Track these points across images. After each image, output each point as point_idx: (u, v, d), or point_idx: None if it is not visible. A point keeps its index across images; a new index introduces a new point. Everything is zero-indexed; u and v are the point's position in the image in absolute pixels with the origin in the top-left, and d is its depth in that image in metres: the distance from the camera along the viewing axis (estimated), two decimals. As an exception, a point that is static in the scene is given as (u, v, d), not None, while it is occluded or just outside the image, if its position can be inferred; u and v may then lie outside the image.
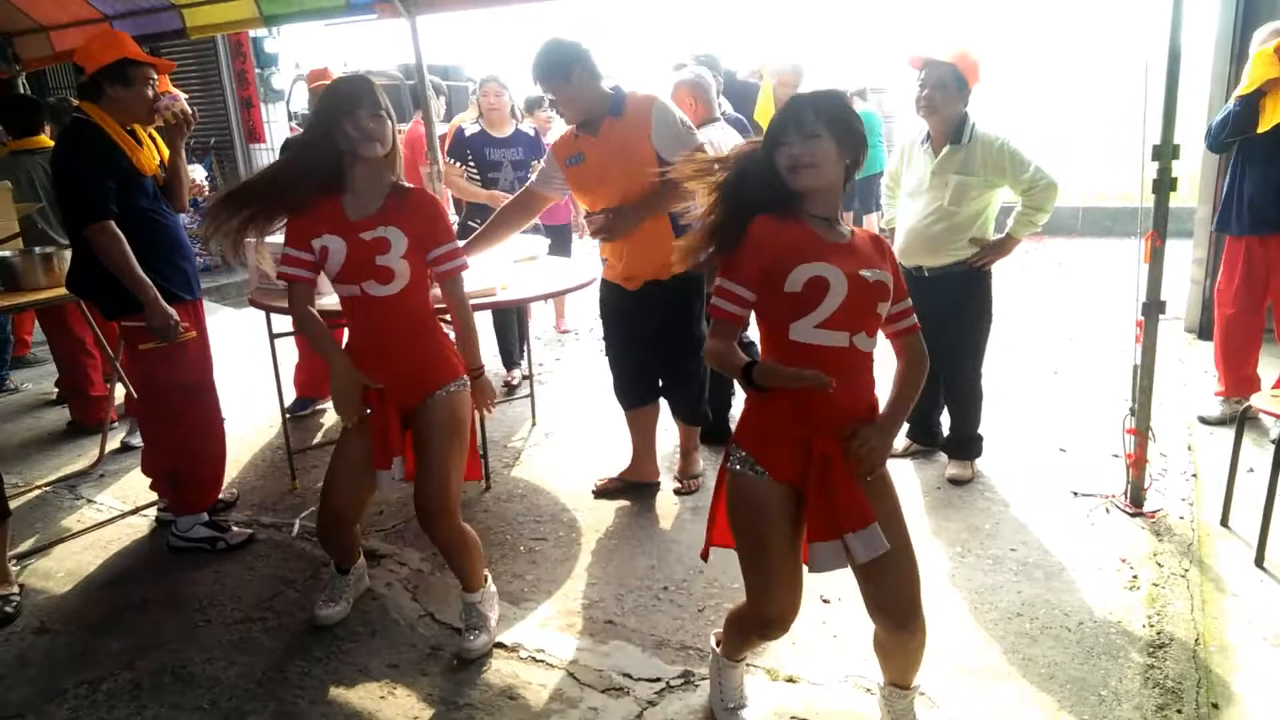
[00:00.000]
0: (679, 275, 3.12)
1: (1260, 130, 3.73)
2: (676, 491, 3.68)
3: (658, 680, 2.47)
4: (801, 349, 1.86)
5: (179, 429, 3.28)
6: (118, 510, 3.76)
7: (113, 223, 2.96)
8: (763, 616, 1.98)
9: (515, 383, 5.18)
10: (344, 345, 2.58)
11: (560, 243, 5.56)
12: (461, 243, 2.72)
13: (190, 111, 3.31)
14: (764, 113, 5.19)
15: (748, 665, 2.53)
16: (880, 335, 1.96)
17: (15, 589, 3.04)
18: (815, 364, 1.82)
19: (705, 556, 2.20)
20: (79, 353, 4.73)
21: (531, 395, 4.78)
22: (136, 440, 4.44)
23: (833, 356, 1.86)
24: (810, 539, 1.88)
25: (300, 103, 9.91)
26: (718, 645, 2.30)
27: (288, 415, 4.11)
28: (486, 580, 2.75)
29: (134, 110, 3.11)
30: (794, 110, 1.87)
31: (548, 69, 3.15)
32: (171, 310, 3.07)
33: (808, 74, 5.37)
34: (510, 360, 5.30)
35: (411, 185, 2.51)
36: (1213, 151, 4.04)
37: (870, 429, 1.87)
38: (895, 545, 1.88)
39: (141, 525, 3.62)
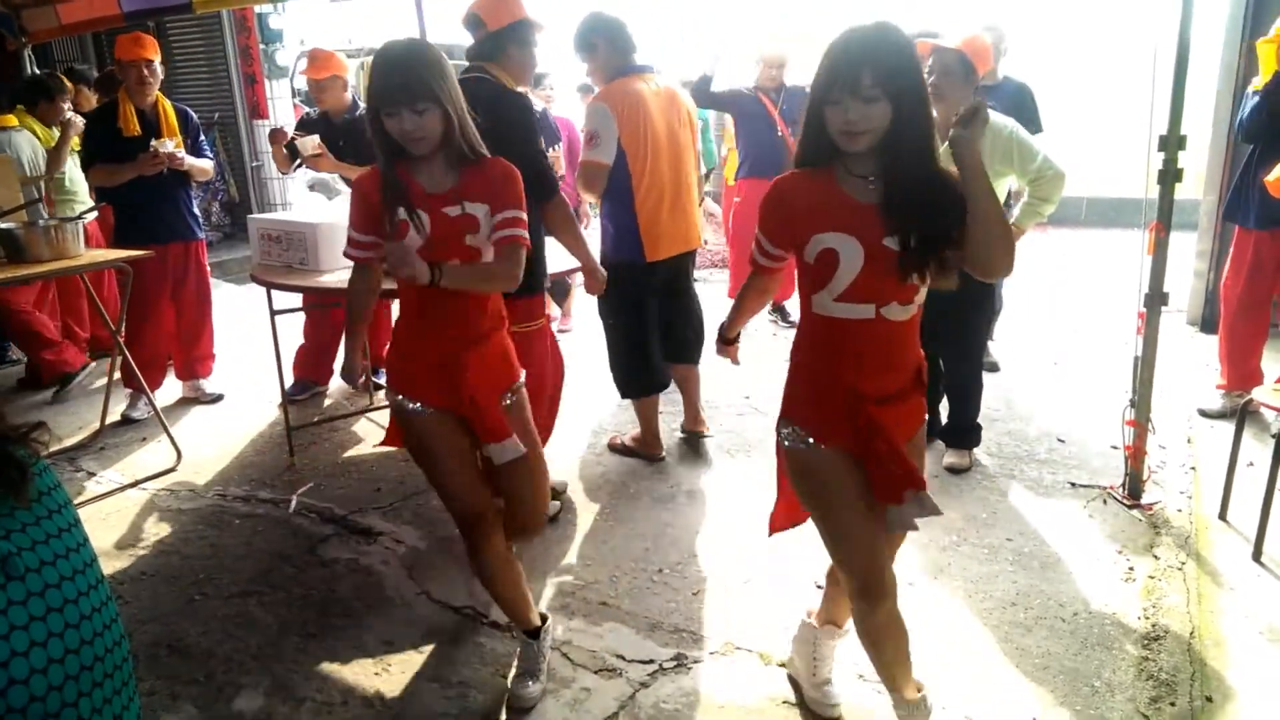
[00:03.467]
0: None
1: None
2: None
3: (651, 662, 2.48)
4: (824, 322, 1.82)
5: None
6: (117, 483, 3.77)
7: None
8: (854, 586, 1.92)
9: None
10: (397, 327, 2.26)
11: None
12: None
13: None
14: None
15: (735, 649, 2.54)
16: (919, 301, 1.81)
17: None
18: (840, 337, 1.81)
19: (771, 533, 2.16)
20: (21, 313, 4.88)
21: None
22: (137, 414, 4.46)
23: (858, 330, 1.79)
24: (883, 500, 1.85)
25: (303, 81, 9.87)
26: (811, 617, 2.29)
27: (286, 399, 4.11)
28: (546, 620, 2.46)
29: (526, 70, 3.04)
30: (848, 64, 1.64)
31: (575, 40, 3.43)
32: None
33: (794, 60, 5.34)
34: None
35: (486, 154, 2.13)
36: (1248, 141, 3.96)
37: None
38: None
39: (140, 499, 3.63)
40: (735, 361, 2.30)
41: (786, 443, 1.92)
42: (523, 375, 2.30)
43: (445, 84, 1.99)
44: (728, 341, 2.24)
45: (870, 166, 1.75)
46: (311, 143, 4.19)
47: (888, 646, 1.97)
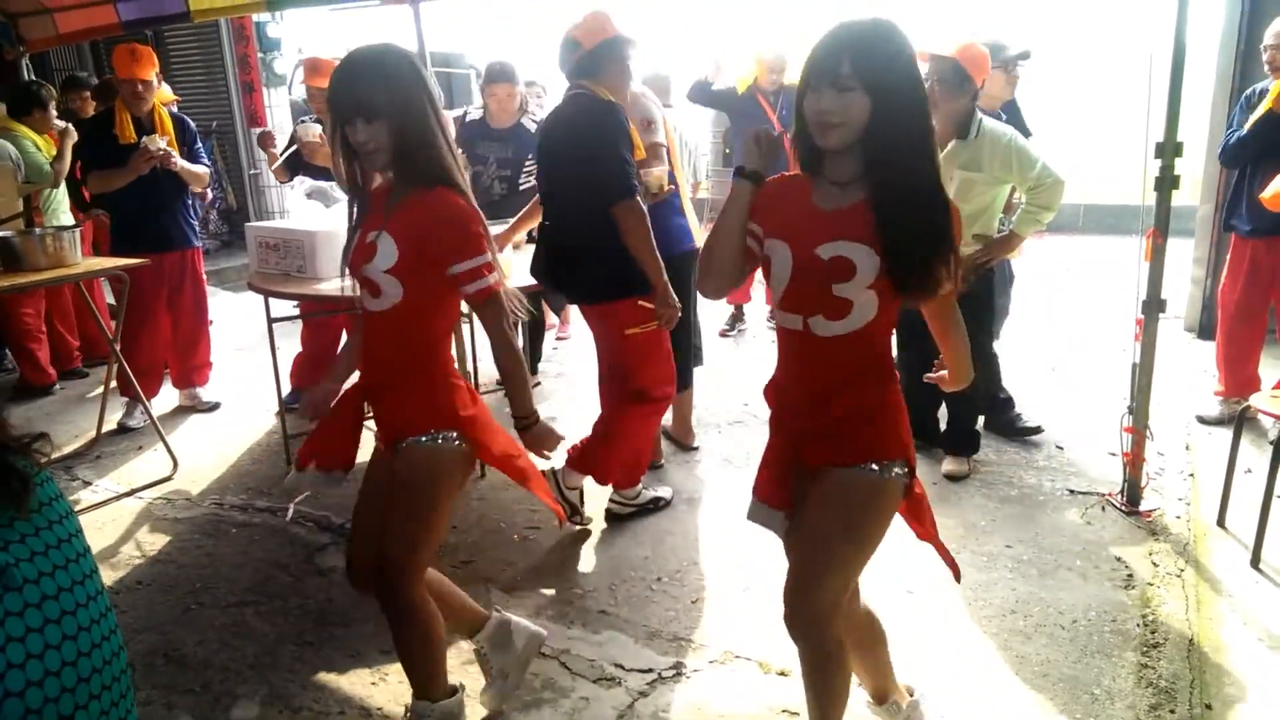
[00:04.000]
0: None
1: None
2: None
3: (650, 671, 2.47)
4: (778, 332, 1.85)
5: None
6: (113, 492, 3.76)
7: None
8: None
9: None
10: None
11: None
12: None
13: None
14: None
15: (734, 657, 2.53)
16: (862, 319, 1.69)
17: (8, 569, 3.03)
18: (782, 347, 1.83)
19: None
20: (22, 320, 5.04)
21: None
22: (133, 422, 4.45)
23: (790, 341, 1.78)
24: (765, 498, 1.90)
25: (301, 90, 9.88)
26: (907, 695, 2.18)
27: (284, 407, 4.10)
28: (455, 693, 2.18)
29: (623, 83, 3.09)
30: (829, 53, 1.59)
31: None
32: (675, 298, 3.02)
33: (793, 64, 5.33)
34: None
35: (440, 186, 1.95)
36: (1228, 166, 4.02)
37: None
38: (801, 542, 1.83)
39: (136, 507, 3.62)
40: None
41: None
42: (454, 432, 2.02)
43: (399, 95, 1.86)
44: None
45: (848, 171, 1.68)
46: (313, 131, 4.22)
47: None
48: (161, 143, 4.19)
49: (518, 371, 2.07)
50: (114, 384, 4.31)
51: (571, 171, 2.97)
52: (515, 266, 3.68)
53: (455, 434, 2.01)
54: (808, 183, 1.76)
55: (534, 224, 3.70)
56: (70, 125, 5.02)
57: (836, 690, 1.87)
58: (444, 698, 2.16)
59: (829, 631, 1.81)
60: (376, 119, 1.85)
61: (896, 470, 1.78)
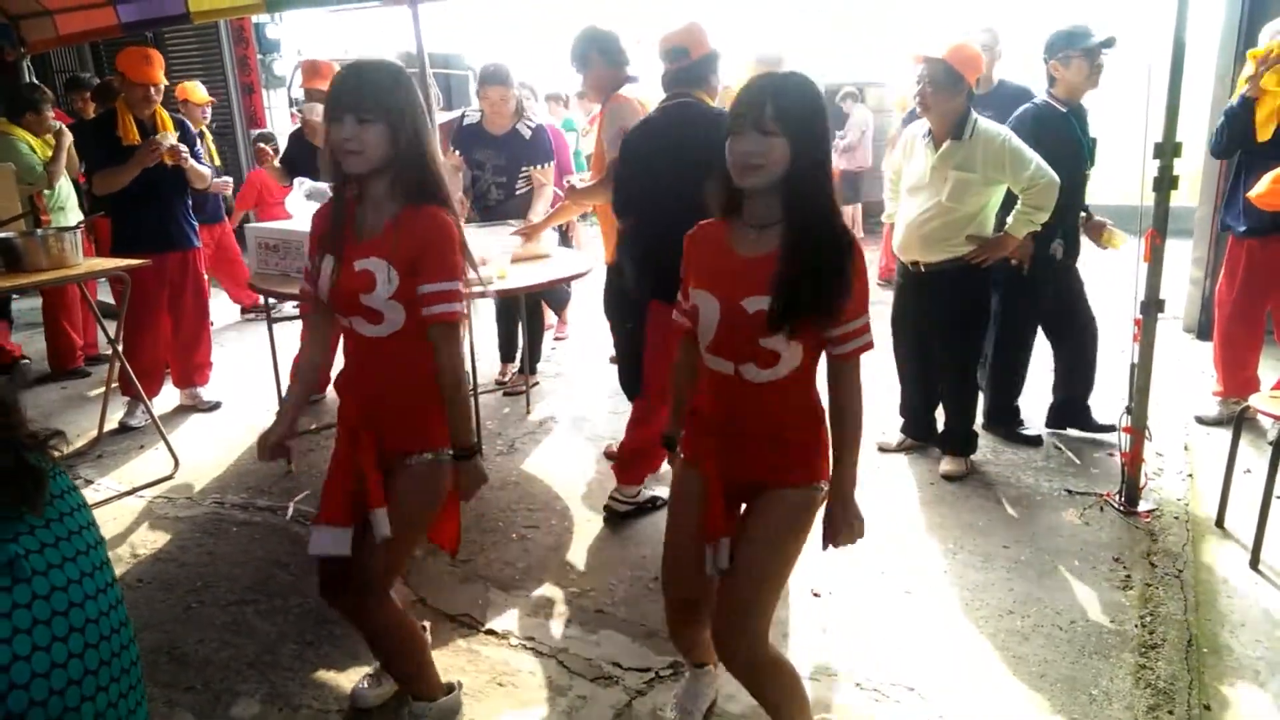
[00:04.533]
0: None
1: (1259, 141, 3.74)
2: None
3: (647, 670, 2.47)
4: (706, 372, 1.88)
5: None
6: (114, 490, 3.77)
7: None
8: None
9: (506, 380, 5.02)
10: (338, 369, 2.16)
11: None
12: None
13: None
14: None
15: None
16: (789, 366, 1.77)
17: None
18: (711, 385, 1.87)
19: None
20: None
21: (527, 384, 4.79)
22: (134, 421, 4.45)
23: (723, 385, 1.84)
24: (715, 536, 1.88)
25: (300, 92, 9.90)
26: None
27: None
28: (452, 691, 2.27)
29: (717, 93, 3.22)
30: (752, 98, 1.68)
31: (571, 54, 3.52)
32: None
33: (788, 64, 5.34)
34: (508, 355, 5.19)
35: (433, 204, 1.92)
36: (1216, 157, 4.06)
37: (825, 519, 1.85)
38: (736, 560, 1.84)
39: (138, 506, 3.63)
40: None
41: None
42: (445, 450, 2.02)
43: (403, 102, 1.86)
44: (669, 446, 2.09)
45: (764, 215, 1.75)
46: (319, 109, 4.25)
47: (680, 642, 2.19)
48: (172, 138, 4.21)
49: (464, 402, 2.00)
50: (115, 383, 4.31)
51: (683, 175, 2.90)
52: (516, 271, 3.70)
53: (447, 453, 2.02)
54: (723, 228, 1.84)
55: (561, 220, 3.82)
56: (63, 127, 5.05)
57: (795, 693, 1.95)
58: (441, 695, 2.20)
59: (767, 655, 1.88)
60: (371, 120, 1.82)
61: (820, 485, 1.88)
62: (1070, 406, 4.08)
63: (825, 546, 1.86)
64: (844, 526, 1.84)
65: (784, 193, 1.71)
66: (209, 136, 6.12)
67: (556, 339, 6.04)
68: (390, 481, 1.99)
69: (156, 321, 4.50)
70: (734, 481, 1.89)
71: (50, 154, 5.04)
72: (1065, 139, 3.61)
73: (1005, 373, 4.01)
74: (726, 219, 1.83)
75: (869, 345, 1.79)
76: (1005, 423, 4.06)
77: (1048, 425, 4.11)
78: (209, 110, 6.42)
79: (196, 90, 6.21)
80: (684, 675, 2.32)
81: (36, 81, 5.45)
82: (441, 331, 1.93)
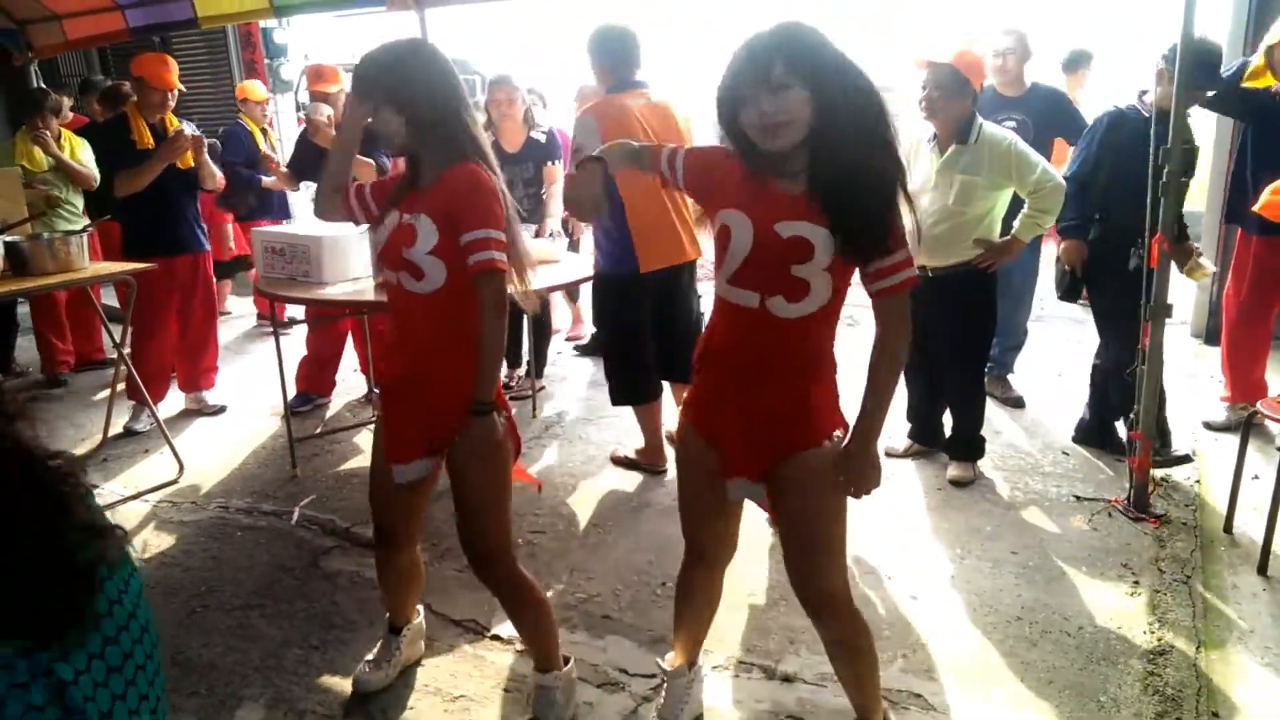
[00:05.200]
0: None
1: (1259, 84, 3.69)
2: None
3: (653, 676, 2.46)
4: (720, 304, 1.82)
5: None
6: (119, 495, 3.77)
7: None
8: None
9: (513, 384, 5.00)
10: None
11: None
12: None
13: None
14: None
15: (740, 663, 2.52)
16: (818, 301, 1.71)
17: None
18: (728, 322, 1.81)
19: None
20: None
21: (533, 388, 4.78)
22: (139, 425, 4.46)
23: (743, 317, 1.75)
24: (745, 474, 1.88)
25: (307, 96, 9.93)
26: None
27: (289, 411, 4.11)
28: (568, 663, 2.31)
29: None
30: (755, 57, 1.60)
31: (587, 51, 3.53)
32: None
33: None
34: (514, 360, 5.18)
35: (466, 160, 2.00)
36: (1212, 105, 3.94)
37: (841, 460, 1.80)
38: (800, 532, 1.87)
39: (143, 510, 3.63)
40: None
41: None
42: (500, 411, 2.08)
43: (392, 81, 1.96)
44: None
45: (802, 164, 1.68)
46: (323, 110, 4.30)
47: (690, 605, 2.18)
48: (192, 128, 4.25)
49: (497, 352, 2.04)
50: (122, 386, 4.32)
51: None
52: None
53: (500, 412, 2.08)
54: (739, 160, 1.76)
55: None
56: (44, 132, 5.10)
57: (873, 661, 1.99)
58: (563, 666, 2.28)
59: (853, 605, 1.92)
60: (381, 107, 1.97)
61: (839, 434, 1.87)
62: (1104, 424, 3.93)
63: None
64: (864, 474, 1.79)
65: (814, 141, 1.63)
66: (270, 135, 6.12)
67: (570, 338, 6.00)
68: (456, 450, 2.07)
69: (164, 326, 4.51)
70: (754, 444, 1.84)
71: (47, 163, 5.06)
72: (1145, 145, 3.29)
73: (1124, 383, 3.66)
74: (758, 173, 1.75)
75: (915, 278, 1.73)
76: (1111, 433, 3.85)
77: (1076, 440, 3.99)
78: (266, 108, 6.39)
79: (255, 89, 6.19)
80: (662, 686, 2.28)
81: (45, 86, 5.46)
82: (484, 279, 1.97)
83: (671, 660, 2.25)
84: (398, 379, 2.14)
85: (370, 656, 2.46)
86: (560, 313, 6.16)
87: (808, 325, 1.74)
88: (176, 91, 4.29)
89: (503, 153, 4.50)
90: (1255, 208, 3.40)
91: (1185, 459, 3.69)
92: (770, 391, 1.80)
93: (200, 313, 4.66)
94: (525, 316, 4.87)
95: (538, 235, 4.51)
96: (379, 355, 4.63)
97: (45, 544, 0.74)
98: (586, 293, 6.10)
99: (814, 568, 1.87)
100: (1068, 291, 3.81)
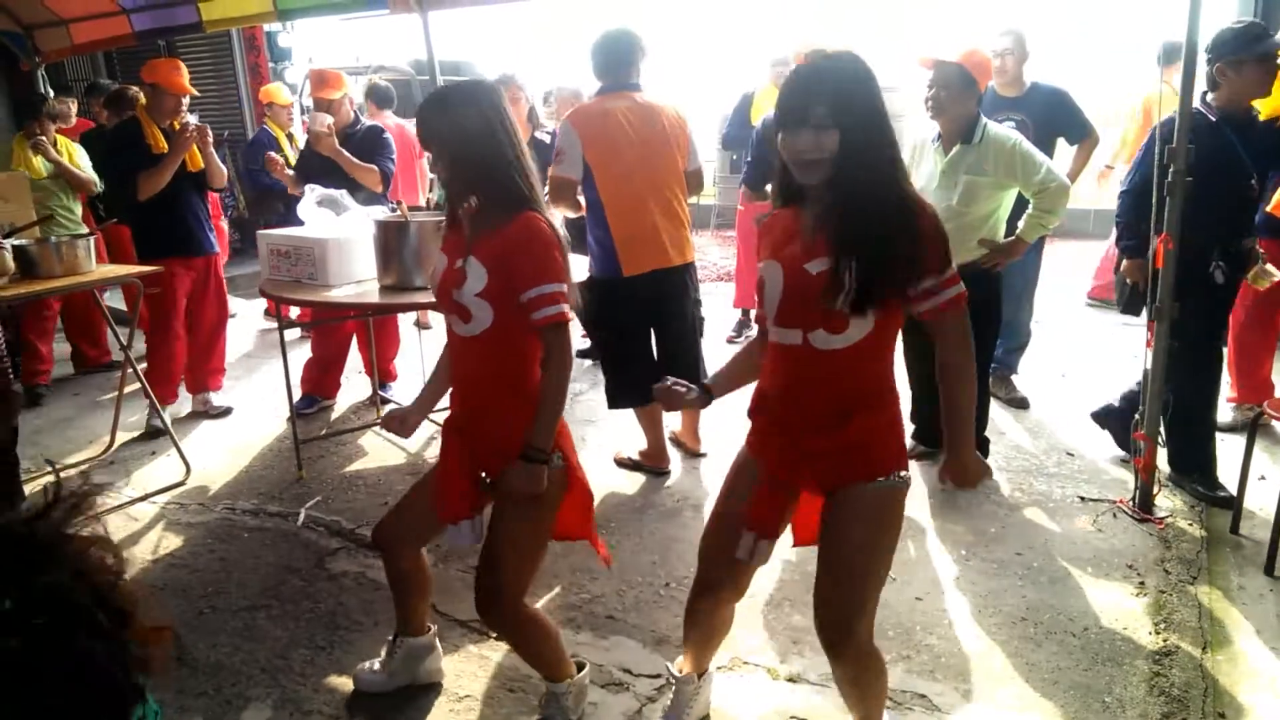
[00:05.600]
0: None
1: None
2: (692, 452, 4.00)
3: (658, 677, 2.47)
4: (771, 349, 1.87)
5: None
6: (127, 497, 3.78)
7: None
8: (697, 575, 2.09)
9: None
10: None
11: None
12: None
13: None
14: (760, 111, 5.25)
15: (744, 664, 2.52)
16: (860, 332, 1.72)
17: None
18: (778, 363, 1.84)
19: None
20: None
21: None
22: (159, 422, 4.49)
23: (790, 355, 1.80)
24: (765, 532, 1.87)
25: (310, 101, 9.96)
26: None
27: (295, 412, 4.13)
28: (581, 670, 2.30)
29: None
30: (801, 94, 1.68)
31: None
32: None
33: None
34: None
35: (526, 210, 1.99)
36: None
37: (942, 470, 1.88)
38: (833, 563, 1.84)
39: (150, 512, 3.64)
40: (671, 407, 2.13)
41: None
42: (557, 453, 2.07)
43: (453, 124, 1.95)
44: (705, 389, 2.05)
45: (825, 199, 1.73)
46: (323, 120, 4.35)
47: (700, 630, 2.16)
48: (195, 118, 4.33)
49: (559, 402, 2.03)
50: (129, 389, 4.33)
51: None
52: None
53: (557, 454, 2.06)
54: (790, 213, 1.84)
55: None
56: (42, 138, 5.14)
57: (881, 689, 2.00)
58: (575, 674, 2.27)
59: (871, 647, 1.91)
60: (437, 150, 1.99)
61: (903, 475, 1.84)
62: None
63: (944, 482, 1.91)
64: (964, 474, 1.85)
65: (833, 174, 1.69)
66: (296, 139, 6.15)
67: (584, 336, 5.99)
68: (501, 488, 2.06)
69: (180, 326, 4.56)
70: (803, 476, 1.86)
71: (46, 170, 5.08)
72: (1215, 149, 3.15)
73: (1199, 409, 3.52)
74: (790, 206, 1.84)
75: (962, 295, 1.74)
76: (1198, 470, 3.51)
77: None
78: (293, 112, 6.42)
79: (280, 93, 6.22)
80: (669, 689, 2.27)
81: (45, 92, 5.48)
82: (553, 333, 1.98)
83: (680, 665, 2.23)
84: (454, 421, 2.16)
85: (382, 659, 2.44)
86: None
87: (855, 356, 1.74)
88: (189, 96, 4.32)
89: None
90: (1269, 208, 3.40)
91: (1227, 501, 3.29)
92: (823, 426, 1.80)
93: (211, 314, 4.70)
94: None
95: None
96: (311, 372, 4.74)
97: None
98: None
99: (843, 600, 1.82)
100: (1129, 304, 3.61)
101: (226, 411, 4.79)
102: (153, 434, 4.44)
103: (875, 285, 1.67)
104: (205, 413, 4.78)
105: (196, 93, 4.36)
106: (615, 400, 3.80)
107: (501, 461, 2.03)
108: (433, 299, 2.26)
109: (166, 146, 4.23)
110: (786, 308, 1.77)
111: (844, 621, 1.82)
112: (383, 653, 2.45)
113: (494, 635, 2.40)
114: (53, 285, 3.67)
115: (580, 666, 2.31)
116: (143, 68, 4.34)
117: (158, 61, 4.31)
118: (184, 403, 4.84)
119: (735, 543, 1.88)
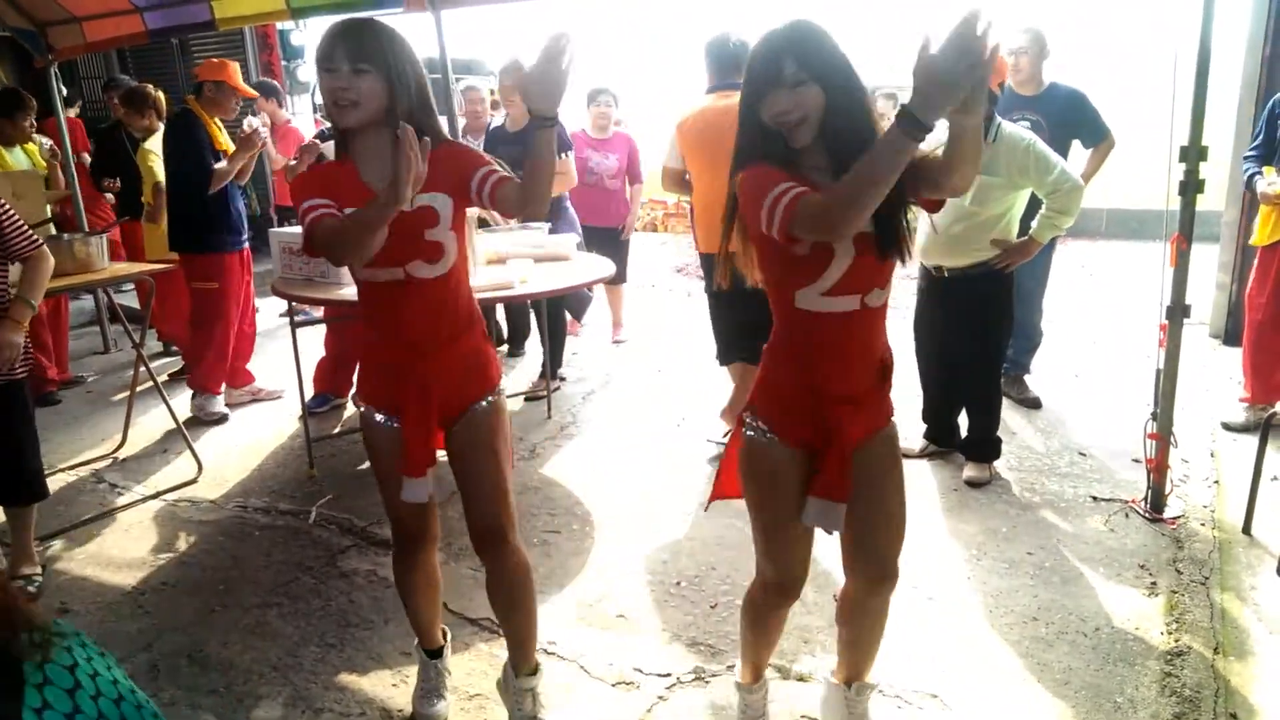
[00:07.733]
0: None
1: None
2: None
3: (668, 675, 2.47)
4: (805, 317, 1.77)
5: None
6: (139, 495, 3.80)
7: None
8: (769, 580, 1.97)
9: (528, 387, 5.02)
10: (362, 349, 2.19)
11: (610, 244, 5.44)
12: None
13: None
14: None
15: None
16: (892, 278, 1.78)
17: (38, 569, 3.09)
18: (822, 333, 1.77)
19: (706, 507, 2.33)
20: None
21: (548, 388, 4.79)
22: (216, 408, 4.64)
23: (840, 323, 1.75)
24: (810, 493, 1.83)
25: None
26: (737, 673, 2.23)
27: (307, 411, 4.15)
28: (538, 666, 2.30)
29: None
30: (769, 57, 1.66)
31: None
32: None
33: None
34: (517, 349, 5.45)
35: (441, 141, 1.95)
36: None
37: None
38: (889, 509, 1.92)
39: (162, 510, 3.66)
40: None
41: (749, 433, 1.89)
42: (497, 390, 2.10)
43: (397, 57, 1.84)
44: None
45: (821, 157, 1.71)
46: (256, 122, 4.54)
47: (776, 634, 2.14)
48: (256, 122, 4.51)
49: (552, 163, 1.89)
50: (142, 386, 4.36)
51: None
52: (537, 275, 3.71)
53: (498, 391, 2.12)
54: (801, 174, 1.73)
55: None
56: (54, 146, 5.18)
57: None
58: (538, 668, 2.29)
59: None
60: (367, 71, 1.81)
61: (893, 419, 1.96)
62: None
63: None
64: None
65: (826, 133, 1.68)
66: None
67: (616, 342, 6.03)
68: (464, 434, 2.08)
69: (237, 318, 4.72)
70: (855, 436, 1.83)
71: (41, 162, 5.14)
72: None
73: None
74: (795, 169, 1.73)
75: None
76: None
77: None
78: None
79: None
80: (743, 693, 2.21)
81: (19, 89, 5.46)
82: (503, 184, 1.90)
83: (743, 675, 2.20)
84: (408, 376, 2.00)
85: (421, 691, 2.35)
86: (600, 314, 6.21)
87: (885, 308, 1.83)
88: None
89: (507, 134, 4.79)
90: None
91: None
92: (871, 383, 1.85)
93: (251, 307, 4.90)
94: (540, 316, 4.92)
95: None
96: (323, 370, 4.77)
97: None
98: (626, 293, 6.18)
99: (894, 538, 1.94)
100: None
101: (224, 417, 4.78)
102: (224, 418, 4.64)
103: (902, 224, 1.72)
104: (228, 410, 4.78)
105: (255, 95, 4.53)
106: (727, 356, 3.99)
107: (460, 402, 2.05)
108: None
109: (224, 142, 4.44)
110: (850, 277, 1.71)
111: (897, 555, 1.96)
112: (425, 683, 2.35)
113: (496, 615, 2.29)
114: (64, 283, 3.68)
115: (445, 634, 2.36)
116: (202, 65, 4.53)
117: (221, 61, 4.51)
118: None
119: (809, 541, 1.94)
